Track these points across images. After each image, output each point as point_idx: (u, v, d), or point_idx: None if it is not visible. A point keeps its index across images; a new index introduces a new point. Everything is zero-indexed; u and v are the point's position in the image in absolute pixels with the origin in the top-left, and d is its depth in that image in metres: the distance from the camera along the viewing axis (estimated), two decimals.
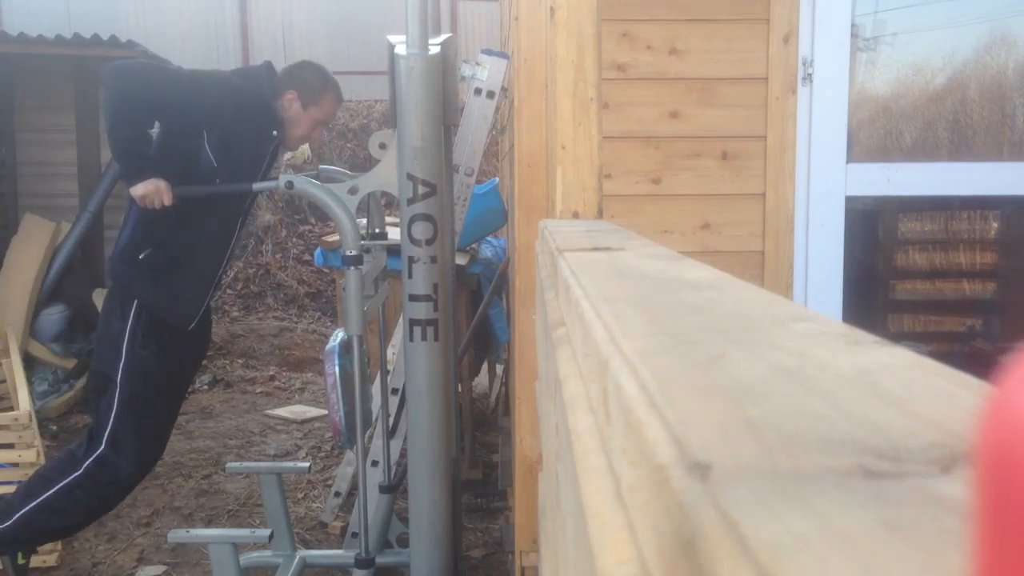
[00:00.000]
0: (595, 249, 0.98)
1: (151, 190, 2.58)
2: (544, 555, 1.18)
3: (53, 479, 2.72)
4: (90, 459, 2.71)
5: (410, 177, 2.42)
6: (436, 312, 2.50)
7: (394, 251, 2.94)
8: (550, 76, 1.69)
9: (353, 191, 2.58)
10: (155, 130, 2.70)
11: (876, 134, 3.06)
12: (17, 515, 2.69)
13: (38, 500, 2.70)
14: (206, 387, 6.05)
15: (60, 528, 2.82)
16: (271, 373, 6.46)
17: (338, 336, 2.72)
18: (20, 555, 2.83)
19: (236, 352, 6.86)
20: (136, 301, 2.73)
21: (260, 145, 2.80)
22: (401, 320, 2.84)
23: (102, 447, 2.72)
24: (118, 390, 2.71)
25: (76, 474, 2.70)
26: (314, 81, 2.87)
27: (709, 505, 0.26)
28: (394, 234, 2.92)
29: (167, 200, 2.61)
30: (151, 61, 2.70)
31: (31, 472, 3.40)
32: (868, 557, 0.22)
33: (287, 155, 8.85)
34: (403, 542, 3.18)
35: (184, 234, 2.74)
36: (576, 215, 1.65)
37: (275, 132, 2.81)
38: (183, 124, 2.67)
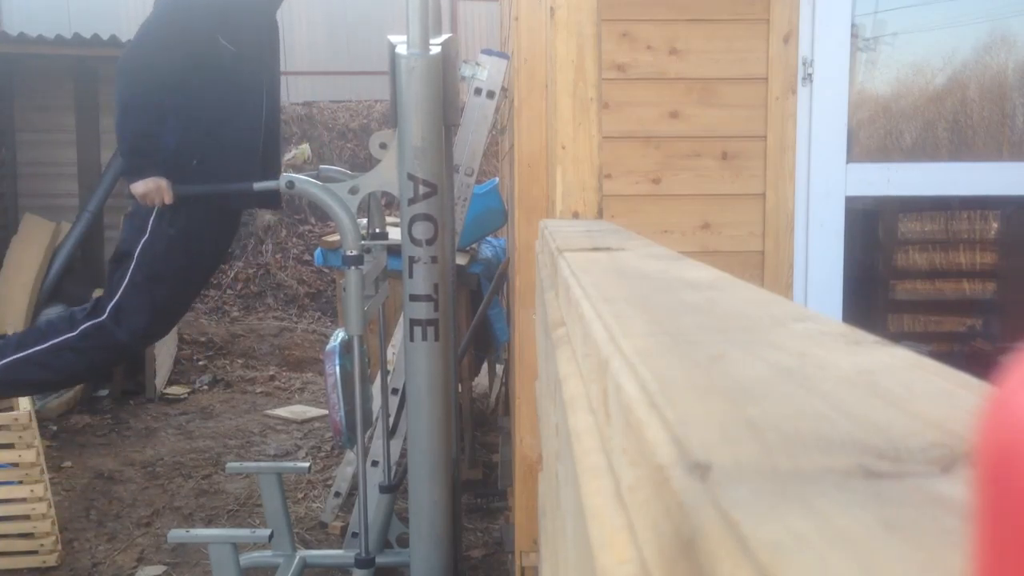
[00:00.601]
0: (595, 249, 0.98)
1: (152, 188, 2.60)
2: (544, 555, 1.18)
3: (48, 334, 2.76)
4: (88, 323, 2.74)
5: (411, 177, 2.42)
6: (436, 312, 2.50)
7: (394, 251, 2.94)
8: (550, 76, 1.69)
9: (353, 191, 2.58)
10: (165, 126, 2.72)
11: (876, 134, 3.06)
12: (4, 360, 2.73)
13: (28, 351, 2.73)
14: (206, 387, 6.05)
15: (42, 382, 2.87)
16: (271, 373, 6.46)
17: (338, 336, 2.72)
18: None
19: (236, 352, 6.86)
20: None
21: (267, 20, 2.90)
22: (401, 320, 2.84)
23: (103, 316, 2.74)
24: (133, 264, 2.73)
25: (70, 335, 2.73)
26: None
27: (709, 505, 0.26)
28: (394, 234, 2.92)
29: (167, 199, 2.62)
30: (156, 36, 2.68)
31: (31, 472, 3.41)
32: (868, 557, 0.22)
33: (287, 156, 8.85)
34: (403, 542, 3.18)
35: (221, 124, 2.78)
36: (576, 215, 1.66)
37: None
38: (198, 43, 2.70)
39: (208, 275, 3.14)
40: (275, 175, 2.90)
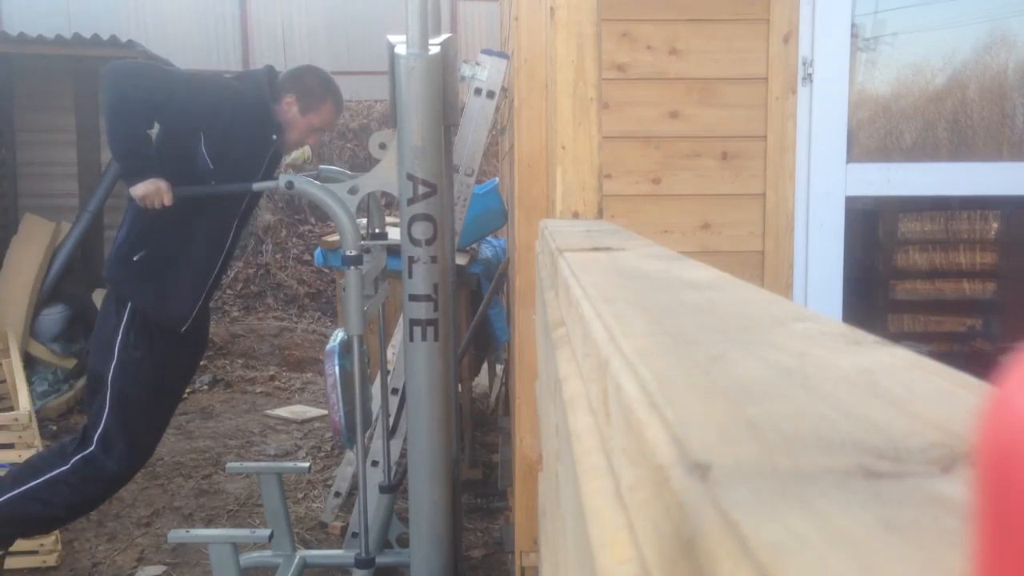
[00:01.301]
0: (595, 249, 0.98)
1: (151, 190, 2.58)
2: (544, 555, 1.18)
3: (41, 469, 2.75)
4: (78, 456, 2.73)
5: (410, 177, 2.42)
6: (436, 312, 2.50)
7: (394, 251, 2.94)
8: (550, 76, 1.69)
9: (353, 191, 2.58)
10: (154, 131, 2.69)
11: (876, 134, 3.06)
12: (3, 496, 2.72)
13: (23, 487, 2.72)
14: (206, 387, 6.05)
15: (41, 518, 2.81)
16: (271, 373, 6.46)
17: (338, 336, 2.72)
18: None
19: (236, 352, 6.86)
20: (130, 303, 2.74)
21: (257, 149, 2.79)
22: (401, 320, 2.84)
23: (92, 447, 2.73)
24: (109, 390, 2.73)
25: (63, 468, 2.72)
26: (315, 87, 2.85)
27: (709, 505, 0.26)
28: (394, 234, 2.92)
29: (167, 200, 2.61)
30: (150, 62, 2.69)
31: None
32: (868, 557, 0.22)
33: (288, 157, 8.85)
34: (403, 542, 3.18)
35: (179, 236, 2.74)
36: (576, 215, 1.65)
37: (274, 136, 2.80)
38: (180, 125, 2.67)
39: (183, 386, 3.11)
40: (209, 300, 2.94)
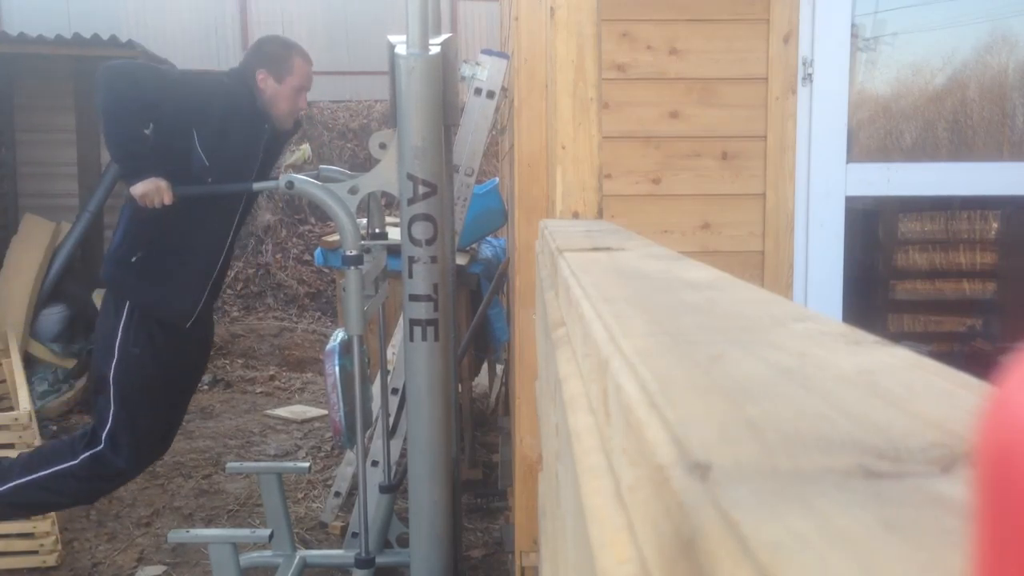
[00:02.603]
0: (595, 249, 0.98)
1: (151, 189, 2.58)
2: (544, 555, 1.18)
3: (51, 461, 2.78)
4: (87, 453, 2.75)
5: (410, 177, 2.42)
6: (436, 312, 2.50)
7: (394, 251, 2.94)
8: (550, 76, 1.69)
9: (353, 191, 2.58)
10: (149, 130, 2.70)
11: (876, 134, 3.06)
12: (10, 484, 2.75)
13: (33, 476, 2.75)
14: (206, 387, 6.05)
15: (47, 504, 2.90)
16: (271, 373, 6.46)
17: (338, 336, 2.72)
18: None
19: (236, 352, 6.86)
20: (128, 301, 2.74)
21: (251, 142, 2.80)
22: (401, 320, 2.84)
23: (100, 445, 2.75)
24: (112, 389, 2.74)
25: (72, 463, 2.75)
26: (278, 50, 2.86)
27: (709, 505, 0.26)
28: (394, 234, 2.92)
29: (167, 199, 2.61)
30: (142, 62, 2.69)
31: None
32: (868, 557, 0.22)
33: (288, 157, 8.85)
34: (403, 542, 3.18)
35: (176, 236, 2.75)
36: (576, 215, 1.65)
37: (266, 126, 2.81)
38: (173, 124, 2.68)
39: (190, 386, 3.09)
40: (213, 299, 2.97)
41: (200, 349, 3.09)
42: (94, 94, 2.59)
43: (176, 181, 2.63)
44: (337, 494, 3.77)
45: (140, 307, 2.74)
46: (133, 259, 2.72)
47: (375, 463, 3.33)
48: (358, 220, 2.65)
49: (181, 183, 2.65)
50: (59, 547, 3.31)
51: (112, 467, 2.76)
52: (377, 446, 3.34)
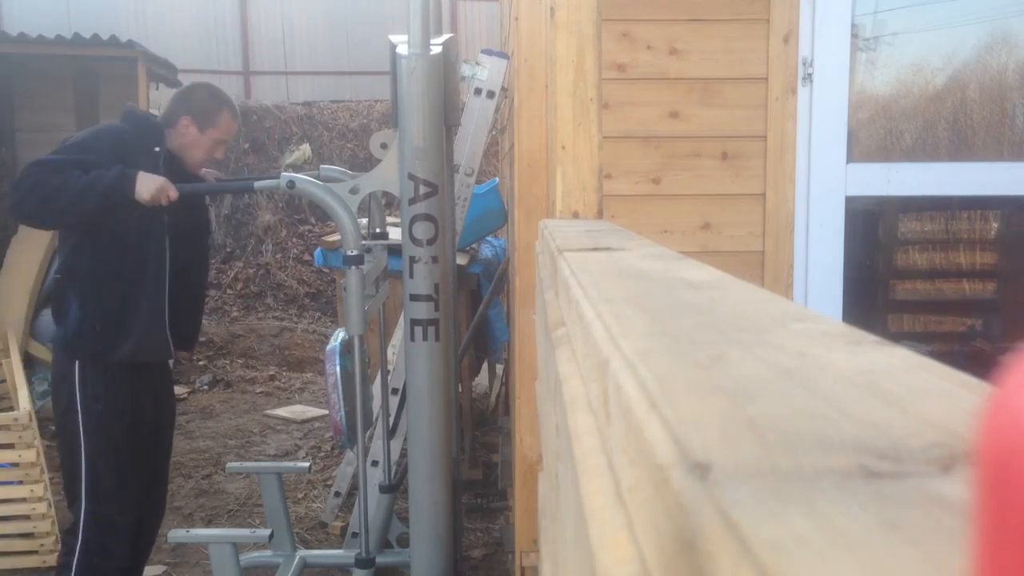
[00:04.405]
0: (595, 249, 0.98)
1: (155, 189, 2.49)
2: (544, 555, 1.18)
3: (67, 562, 2.65)
4: (82, 522, 2.63)
5: (411, 177, 2.42)
6: (437, 312, 2.50)
7: (395, 251, 2.94)
8: (550, 76, 1.69)
9: (354, 191, 2.58)
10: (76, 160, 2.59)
11: (876, 134, 3.06)
12: None
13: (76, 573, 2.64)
14: (206, 387, 6.05)
15: None
16: (271, 373, 6.46)
17: (339, 336, 2.72)
18: None
19: (236, 352, 6.86)
20: (76, 361, 2.63)
21: (149, 168, 2.64)
22: (401, 320, 2.84)
23: (84, 504, 2.63)
24: (83, 446, 2.62)
25: (79, 543, 2.63)
26: (206, 102, 2.78)
27: (709, 505, 0.26)
28: (395, 234, 2.92)
29: (173, 194, 2.52)
30: (41, 162, 2.53)
31: (31, 472, 3.41)
32: (868, 557, 0.22)
33: (288, 157, 8.85)
34: (403, 542, 3.18)
35: (120, 282, 2.64)
36: (576, 215, 1.66)
37: (156, 149, 2.67)
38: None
39: (163, 429, 2.91)
40: (189, 344, 2.93)
41: (162, 390, 2.92)
42: (34, 209, 2.48)
43: (111, 226, 2.56)
44: (337, 494, 3.77)
45: (116, 361, 2.64)
46: (97, 327, 2.61)
47: (375, 463, 3.33)
48: (359, 220, 2.64)
49: (116, 224, 2.57)
50: (59, 547, 3.31)
51: (111, 523, 2.65)
52: (377, 446, 3.35)
